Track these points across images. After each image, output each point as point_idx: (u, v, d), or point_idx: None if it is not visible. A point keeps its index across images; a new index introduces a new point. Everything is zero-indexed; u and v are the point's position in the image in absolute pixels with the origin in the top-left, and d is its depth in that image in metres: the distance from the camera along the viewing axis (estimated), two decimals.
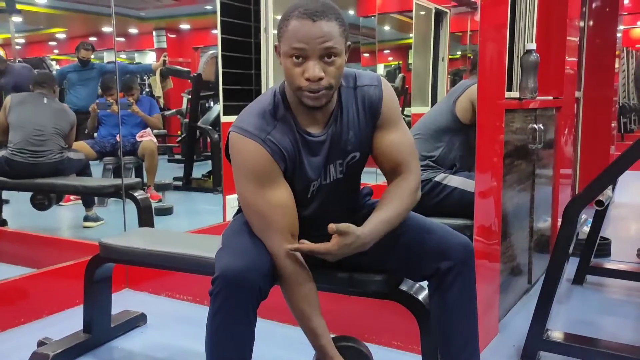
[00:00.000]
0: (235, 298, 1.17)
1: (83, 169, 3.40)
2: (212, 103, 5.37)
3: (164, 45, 6.87)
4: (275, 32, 3.17)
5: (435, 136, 2.20)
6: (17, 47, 4.89)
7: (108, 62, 5.21)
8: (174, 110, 6.00)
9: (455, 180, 2.13)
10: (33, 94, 3.30)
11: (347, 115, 1.33)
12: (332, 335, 1.36)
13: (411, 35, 5.32)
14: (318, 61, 1.19)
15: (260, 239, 1.27)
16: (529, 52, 2.30)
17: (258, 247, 1.25)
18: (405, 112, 5.66)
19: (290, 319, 2.07)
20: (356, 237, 1.23)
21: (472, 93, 2.16)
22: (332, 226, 1.21)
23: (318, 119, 1.31)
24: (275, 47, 1.27)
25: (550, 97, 2.66)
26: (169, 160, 6.02)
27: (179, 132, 6.08)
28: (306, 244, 1.25)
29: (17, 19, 4.60)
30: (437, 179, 2.14)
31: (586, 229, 2.57)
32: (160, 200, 3.98)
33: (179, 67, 5.88)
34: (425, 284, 1.40)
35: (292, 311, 1.31)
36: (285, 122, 1.28)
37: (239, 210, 1.47)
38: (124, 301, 2.34)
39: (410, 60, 5.88)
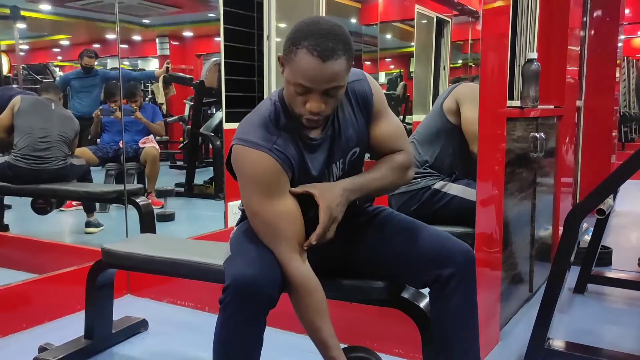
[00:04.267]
0: (247, 306, 1.18)
1: (84, 175, 3.40)
2: (214, 110, 5.38)
3: (167, 52, 6.90)
4: (278, 39, 3.21)
5: (430, 141, 2.19)
6: (21, 53, 4.92)
7: (111, 69, 5.24)
8: (176, 116, 6.02)
9: (454, 188, 2.13)
10: (41, 98, 3.30)
11: (343, 114, 1.36)
12: (343, 346, 1.35)
13: (413, 43, 5.35)
14: (321, 95, 1.21)
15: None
16: (530, 61, 2.31)
17: (268, 255, 1.25)
18: (406, 120, 5.67)
19: (292, 326, 2.08)
20: (331, 195, 1.27)
21: (457, 92, 2.16)
22: (293, 190, 1.28)
23: None
24: (279, 58, 1.28)
25: (552, 106, 2.67)
26: (171, 167, 6.02)
27: (181, 139, 6.09)
28: (313, 237, 1.26)
29: (21, 25, 4.63)
30: (436, 186, 2.14)
31: (587, 237, 2.57)
32: (162, 207, 3.99)
33: (181, 74, 5.90)
34: (426, 291, 1.40)
35: (301, 322, 1.30)
36: (287, 130, 1.30)
37: (243, 218, 1.47)
38: (126, 307, 2.34)
39: (412, 69, 5.90)
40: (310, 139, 1.32)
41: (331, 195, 1.28)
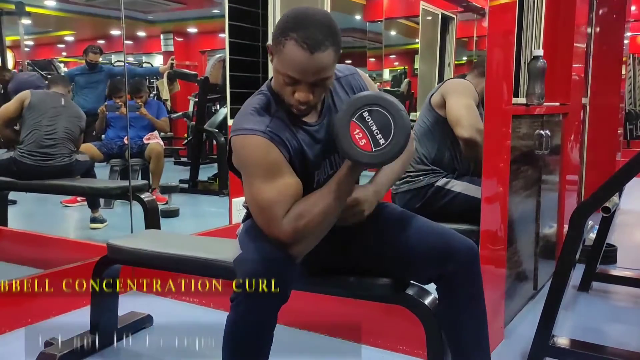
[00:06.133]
0: (260, 305, 1.18)
1: (87, 171, 3.41)
2: (218, 106, 5.39)
3: (172, 48, 6.91)
4: None
5: (427, 137, 2.21)
6: (26, 49, 4.94)
7: (116, 61, 5.25)
8: (180, 113, 6.03)
9: (458, 185, 2.13)
10: (50, 93, 3.29)
11: (340, 103, 1.39)
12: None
13: (417, 40, 5.34)
14: (309, 86, 1.24)
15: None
16: (536, 58, 2.30)
17: (280, 252, 1.25)
18: (410, 118, 5.66)
19: (295, 323, 2.08)
20: (364, 191, 1.32)
21: (443, 87, 2.21)
22: None
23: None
24: (268, 47, 1.30)
25: (557, 103, 2.66)
26: (175, 163, 6.04)
27: (186, 135, 6.10)
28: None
29: (26, 21, 4.64)
30: (440, 183, 2.14)
31: (592, 235, 2.57)
32: (166, 203, 4.00)
33: (186, 71, 5.91)
34: (431, 288, 1.41)
35: (331, 216, 1.26)
36: (279, 116, 1.31)
37: (248, 215, 1.47)
38: (131, 303, 2.34)
39: (416, 66, 5.89)
40: (306, 124, 1.34)
41: (364, 191, 1.33)
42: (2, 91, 3.97)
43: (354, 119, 1.18)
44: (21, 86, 3.70)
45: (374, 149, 1.17)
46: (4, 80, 4.07)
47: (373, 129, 1.17)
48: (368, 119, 1.18)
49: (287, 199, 1.25)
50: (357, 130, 1.17)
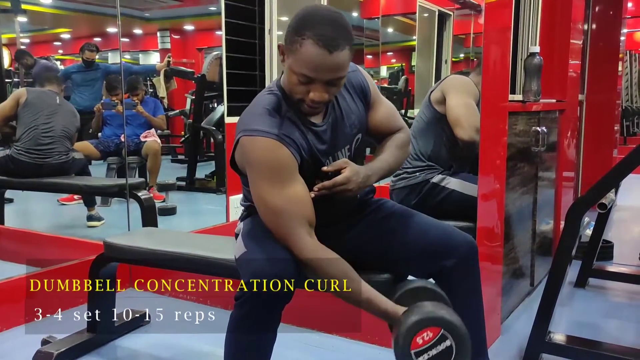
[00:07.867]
0: (267, 304, 1.19)
1: (82, 169, 3.41)
2: (215, 104, 5.38)
3: (168, 46, 6.88)
4: (280, 33, 3.20)
5: (424, 133, 2.21)
6: (22, 47, 4.91)
7: (112, 63, 5.24)
8: (177, 110, 6.02)
9: (453, 183, 2.13)
10: (46, 91, 3.29)
11: (343, 101, 1.40)
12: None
13: (414, 37, 5.34)
14: (324, 85, 1.24)
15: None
16: (532, 55, 2.30)
17: (285, 251, 1.25)
18: (408, 115, 5.67)
19: (292, 320, 2.08)
20: (356, 170, 1.33)
21: (444, 84, 2.20)
22: (325, 168, 1.32)
23: None
24: (280, 47, 1.29)
25: (554, 100, 2.67)
26: (173, 161, 6.03)
27: (183, 133, 6.09)
28: (327, 182, 1.29)
29: (22, 19, 4.62)
30: (435, 180, 2.14)
31: (589, 231, 2.57)
32: (163, 201, 4.00)
33: (183, 68, 5.89)
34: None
35: (338, 296, 1.26)
36: (290, 117, 1.31)
37: (248, 214, 1.46)
38: (128, 300, 2.35)
39: (414, 63, 5.89)
40: (313, 124, 1.33)
41: (356, 169, 1.33)
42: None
43: (430, 326, 1.13)
44: (44, 71, 3.90)
45: None
46: (27, 65, 4.26)
47: (436, 349, 1.14)
48: (440, 340, 1.14)
49: (298, 208, 1.25)
50: (426, 334, 1.13)
